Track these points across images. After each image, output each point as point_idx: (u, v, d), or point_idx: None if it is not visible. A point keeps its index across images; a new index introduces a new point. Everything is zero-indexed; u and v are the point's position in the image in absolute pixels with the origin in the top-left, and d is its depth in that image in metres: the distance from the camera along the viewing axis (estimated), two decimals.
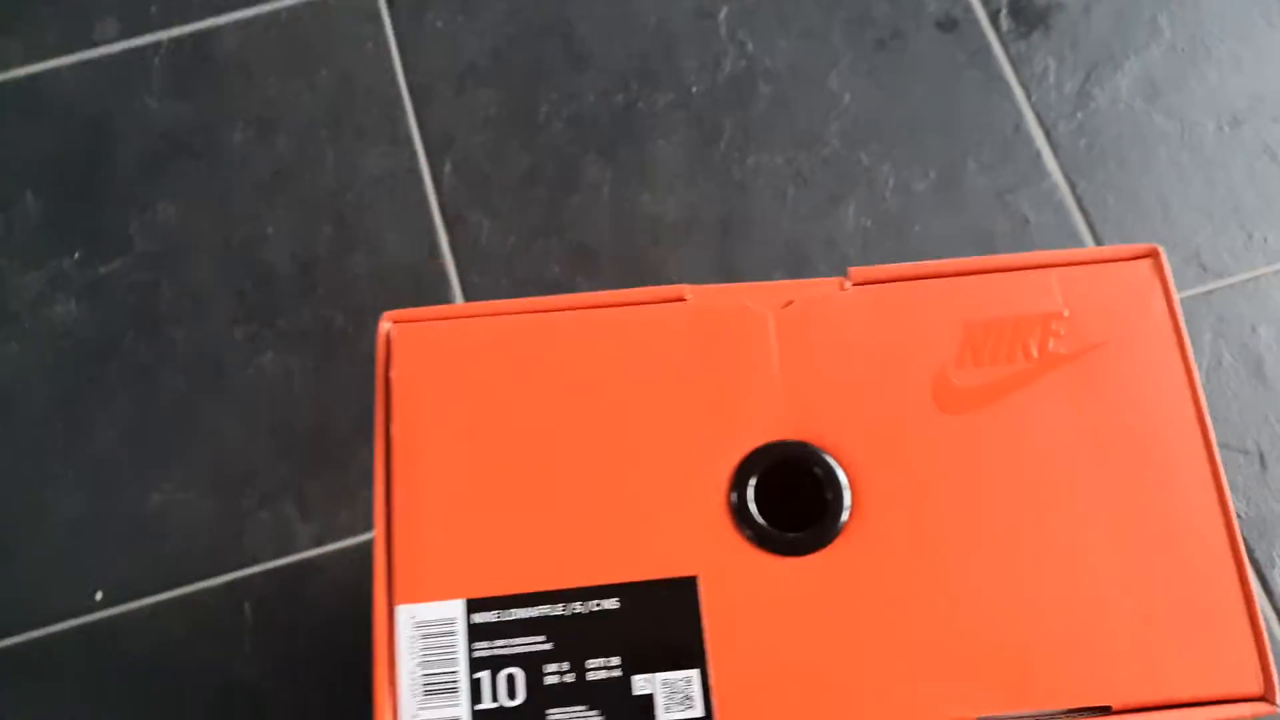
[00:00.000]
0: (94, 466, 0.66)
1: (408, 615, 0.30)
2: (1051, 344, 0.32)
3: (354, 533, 0.64)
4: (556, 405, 0.32)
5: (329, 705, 0.61)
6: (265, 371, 0.67)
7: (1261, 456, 0.64)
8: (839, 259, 0.68)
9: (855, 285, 0.33)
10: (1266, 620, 0.60)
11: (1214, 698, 0.29)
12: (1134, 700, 0.28)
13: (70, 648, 0.62)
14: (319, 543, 0.64)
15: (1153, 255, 0.33)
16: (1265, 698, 0.29)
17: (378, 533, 0.31)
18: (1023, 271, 0.33)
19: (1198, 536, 0.30)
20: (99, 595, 0.63)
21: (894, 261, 0.67)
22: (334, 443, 0.66)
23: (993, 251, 0.67)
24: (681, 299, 0.33)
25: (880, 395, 0.32)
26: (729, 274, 0.68)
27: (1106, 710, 0.28)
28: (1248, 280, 0.66)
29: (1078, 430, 0.31)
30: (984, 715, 0.29)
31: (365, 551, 0.63)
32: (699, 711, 0.29)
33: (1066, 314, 0.32)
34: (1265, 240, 0.67)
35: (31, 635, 0.63)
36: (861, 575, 0.30)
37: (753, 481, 0.31)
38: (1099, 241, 0.67)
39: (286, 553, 0.64)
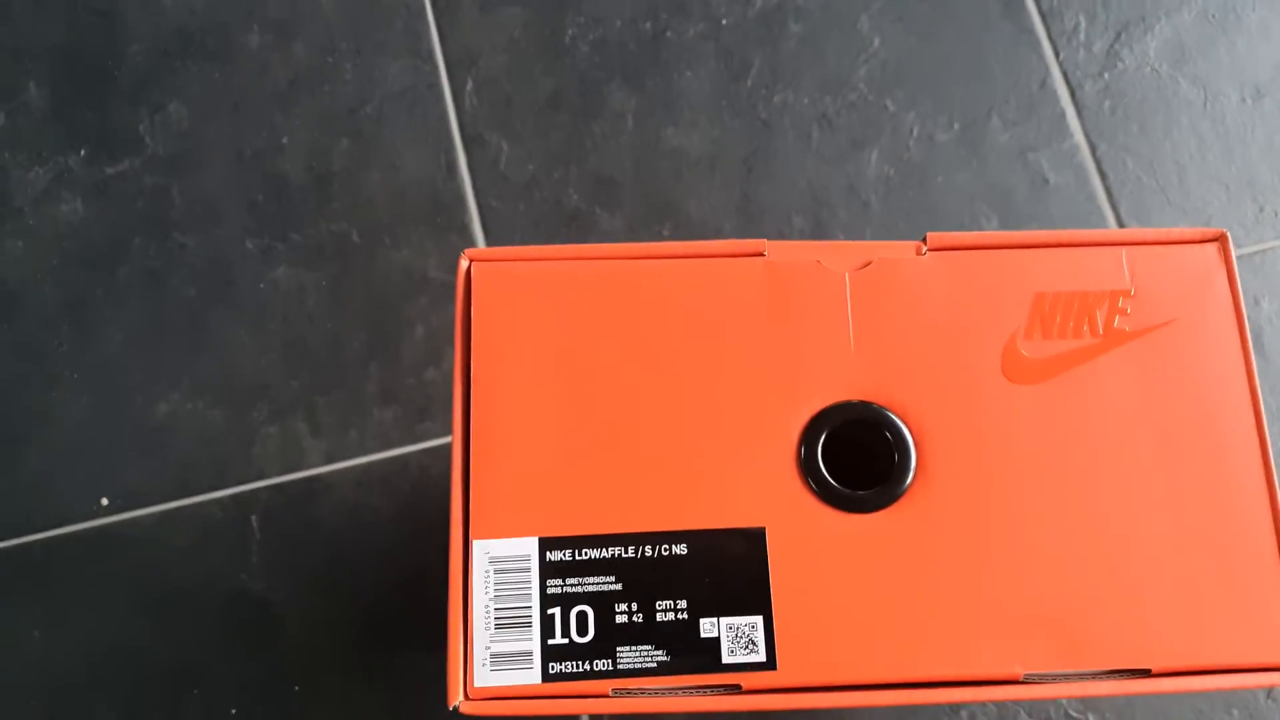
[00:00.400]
0: (101, 371, 0.65)
1: (483, 550, 0.31)
2: (1117, 320, 0.32)
3: (364, 452, 0.64)
4: (632, 352, 0.33)
5: (334, 619, 0.62)
6: (278, 285, 0.67)
7: None
8: (859, 205, 0.68)
9: (931, 251, 0.33)
10: None
11: (1252, 665, 0.30)
12: (1174, 664, 0.30)
13: (75, 552, 0.63)
14: (329, 460, 0.64)
15: (1220, 239, 0.34)
16: None
17: (455, 468, 0.31)
18: (1094, 248, 0.33)
19: (1244, 513, 0.32)
20: (105, 501, 0.63)
21: (913, 211, 0.68)
22: (347, 361, 0.66)
23: (1010, 209, 0.68)
24: (760, 254, 0.33)
25: (950, 361, 0.32)
26: (749, 214, 0.68)
27: (1147, 673, 0.30)
28: (1255, 253, 0.68)
29: (1137, 405, 0.32)
30: (1031, 672, 0.30)
31: (375, 471, 0.64)
32: (762, 656, 0.30)
33: (1133, 292, 0.33)
34: (1276, 214, 0.68)
35: (36, 537, 0.63)
36: (923, 535, 0.31)
37: (822, 439, 0.32)
38: (1114, 206, 0.68)
39: (295, 468, 0.64)
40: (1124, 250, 0.33)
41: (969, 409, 0.32)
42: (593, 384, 0.32)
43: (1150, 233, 0.33)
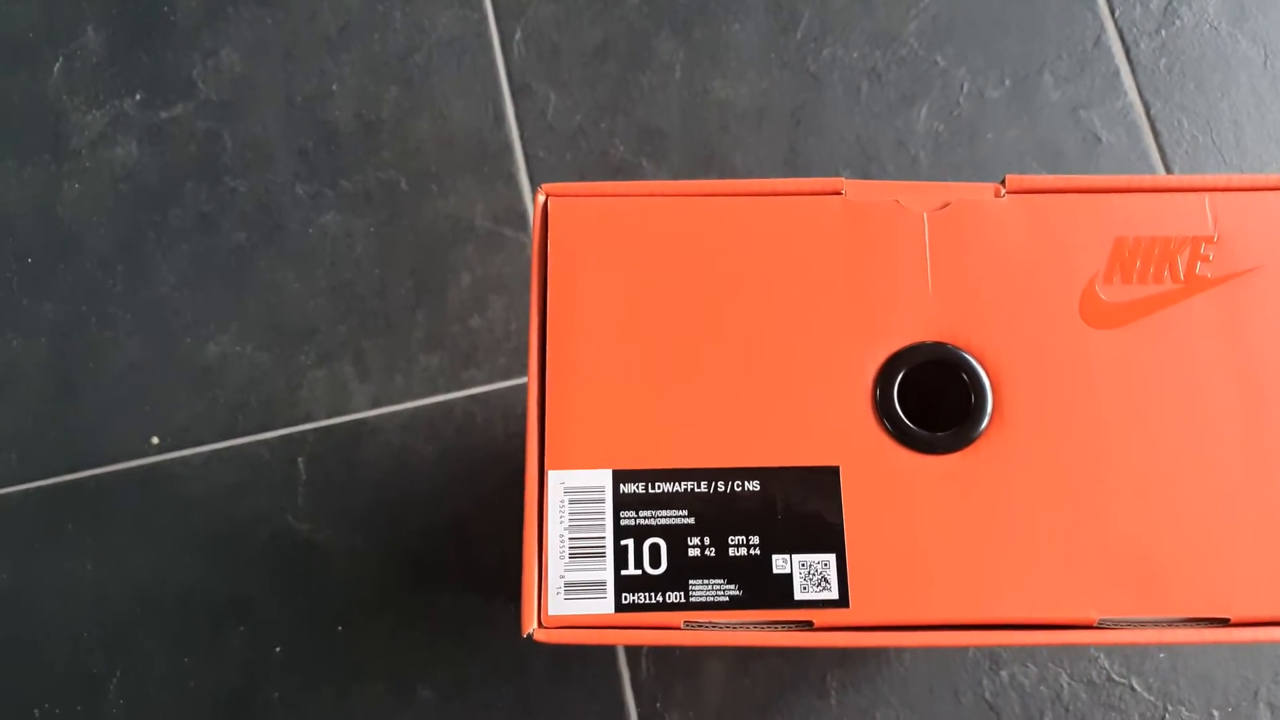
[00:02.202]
0: (153, 312, 0.66)
1: (558, 480, 0.31)
2: (1199, 266, 0.32)
3: (410, 397, 0.65)
4: (708, 289, 0.33)
5: (379, 561, 0.63)
6: (327, 231, 0.67)
7: None
8: (908, 161, 0.68)
9: (1010, 193, 0.33)
10: None
11: None
12: (1253, 614, 0.30)
13: (127, 488, 0.64)
14: (375, 404, 0.65)
15: None
16: None
17: (531, 399, 0.31)
18: (1175, 193, 0.33)
19: None
20: (155, 440, 0.64)
21: (962, 167, 0.67)
22: (394, 307, 0.66)
23: (1061, 167, 0.67)
24: (838, 192, 0.33)
25: (1028, 304, 0.32)
26: (797, 167, 0.68)
27: (1225, 622, 0.30)
28: None
29: (1218, 352, 0.32)
30: (1107, 617, 0.30)
31: (421, 416, 0.64)
32: (834, 594, 0.31)
33: (1216, 238, 0.33)
34: None
35: (90, 473, 0.64)
36: (998, 477, 0.31)
37: (898, 379, 0.32)
38: (1167, 165, 0.68)
39: (342, 412, 0.65)
40: (1207, 196, 0.33)
41: (1046, 353, 0.32)
42: (668, 320, 0.32)
43: (1235, 178, 0.33)
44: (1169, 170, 0.67)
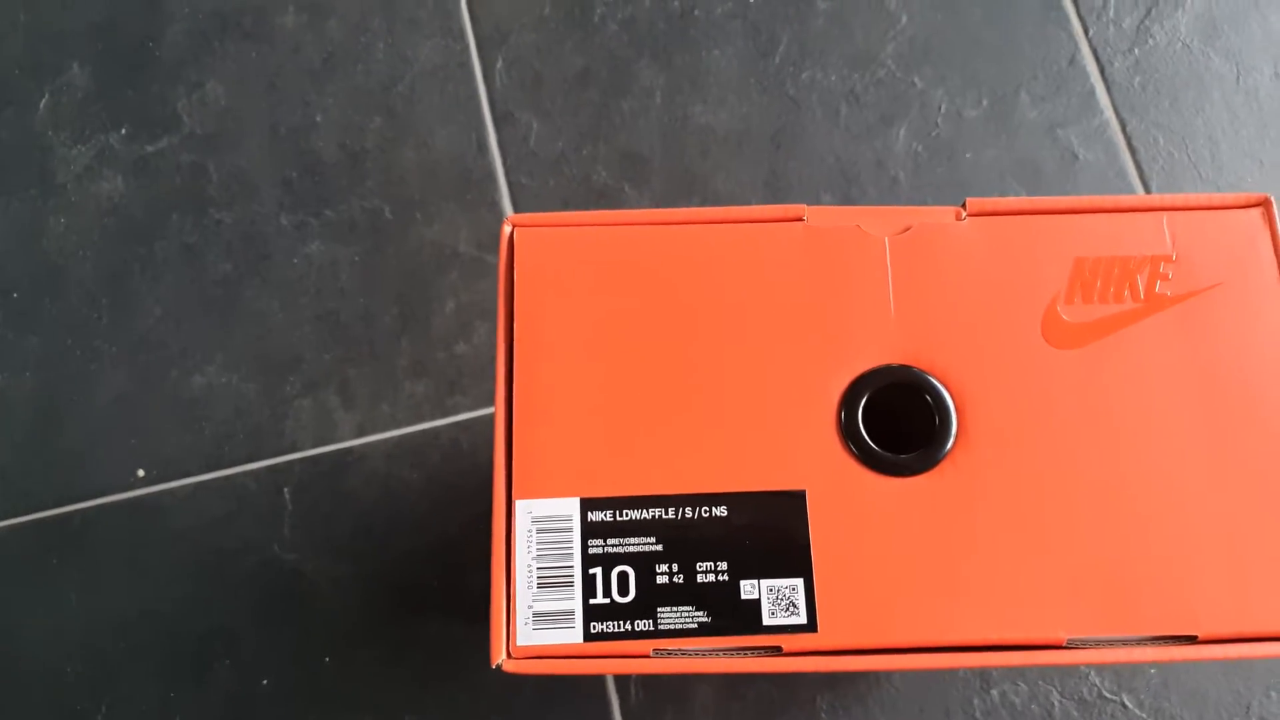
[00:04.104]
0: (139, 344, 0.66)
1: (525, 510, 0.31)
2: (1159, 285, 0.33)
3: (396, 424, 0.65)
4: (673, 316, 0.33)
5: (365, 590, 0.63)
6: (312, 260, 0.68)
7: None
8: (888, 181, 0.68)
9: (971, 216, 0.33)
10: None
11: None
12: (1220, 631, 0.30)
13: (112, 522, 0.64)
14: (361, 433, 0.65)
15: (1264, 204, 0.34)
16: None
17: (498, 429, 0.32)
18: (1134, 213, 0.33)
19: None
20: (141, 472, 0.64)
21: (942, 187, 0.68)
22: (379, 335, 0.66)
23: (1039, 185, 0.68)
24: (800, 219, 0.33)
25: (991, 325, 0.33)
26: (777, 190, 0.68)
27: (1193, 639, 0.30)
28: None
29: (1180, 370, 0.32)
30: (1074, 637, 0.30)
31: (406, 444, 0.65)
32: (803, 619, 0.31)
33: (1175, 257, 0.33)
34: None
35: (75, 507, 0.64)
36: (964, 499, 0.31)
37: (862, 403, 0.32)
38: (1145, 182, 0.68)
39: (328, 441, 0.65)
40: (1165, 215, 0.33)
41: (1009, 373, 0.32)
42: (634, 347, 0.33)
43: (1193, 197, 0.33)
44: (1146, 186, 0.68)
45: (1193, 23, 0.70)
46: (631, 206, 0.68)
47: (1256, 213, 0.33)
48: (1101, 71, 0.70)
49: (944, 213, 0.33)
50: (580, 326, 0.33)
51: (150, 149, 0.69)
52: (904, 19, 0.71)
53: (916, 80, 0.70)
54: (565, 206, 0.69)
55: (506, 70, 0.71)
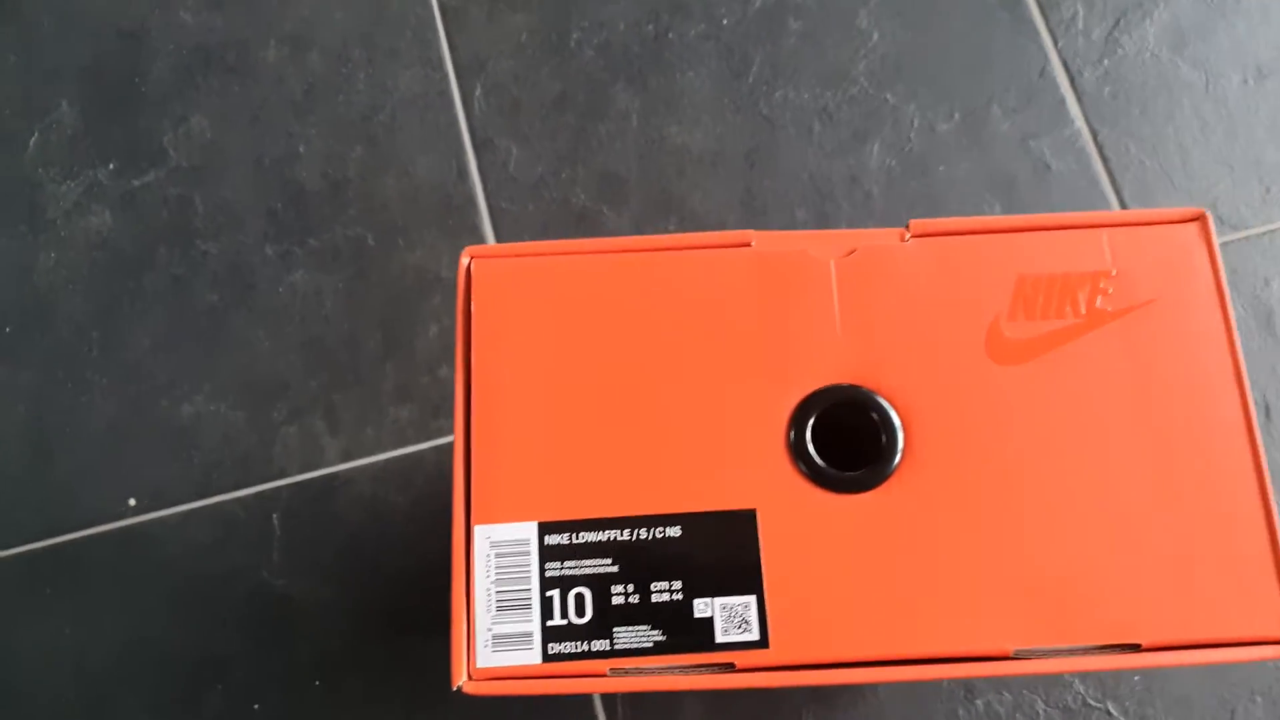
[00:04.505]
0: (129, 375, 0.67)
1: (484, 535, 0.32)
2: (1099, 301, 0.33)
3: (381, 449, 0.66)
4: (626, 341, 0.34)
5: (354, 613, 0.63)
6: (297, 288, 0.69)
7: (1267, 407, 0.66)
8: (862, 196, 0.69)
9: (915, 237, 0.34)
10: None
11: (1238, 639, 0.31)
12: (1162, 639, 0.31)
13: (104, 552, 0.65)
14: (346, 458, 0.66)
15: (1200, 219, 0.34)
16: None
17: (457, 456, 0.33)
18: (1075, 230, 0.34)
19: (1231, 488, 0.32)
20: (132, 502, 0.65)
21: (916, 201, 0.68)
22: (364, 360, 0.67)
23: (1014, 196, 0.69)
24: (748, 244, 0.34)
25: (935, 343, 0.33)
26: (753, 208, 0.69)
27: (1136, 647, 0.31)
28: (1263, 234, 0.68)
29: (1121, 383, 0.33)
30: (1021, 648, 0.31)
31: (392, 467, 0.65)
32: (755, 635, 0.31)
33: (1114, 272, 0.34)
34: None
35: (69, 537, 0.65)
36: (912, 514, 0.32)
37: (811, 422, 0.33)
38: (1118, 190, 0.69)
39: (314, 466, 0.66)
40: (1105, 232, 0.34)
41: (954, 390, 0.33)
42: (589, 373, 0.34)
43: (1131, 214, 0.34)
44: (1119, 194, 0.69)
45: (1161, 32, 0.71)
46: (610, 228, 0.69)
47: (1193, 227, 0.34)
48: (1072, 82, 0.71)
49: (888, 234, 0.34)
50: (536, 354, 0.34)
51: (137, 183, 0.70)
52: (875, 36, 0.72)
53: (889, 96, 0.71)
54: (545, 229, 0.70)
55: (485, 97, 0.72)
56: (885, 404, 0.33)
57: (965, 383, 0.33)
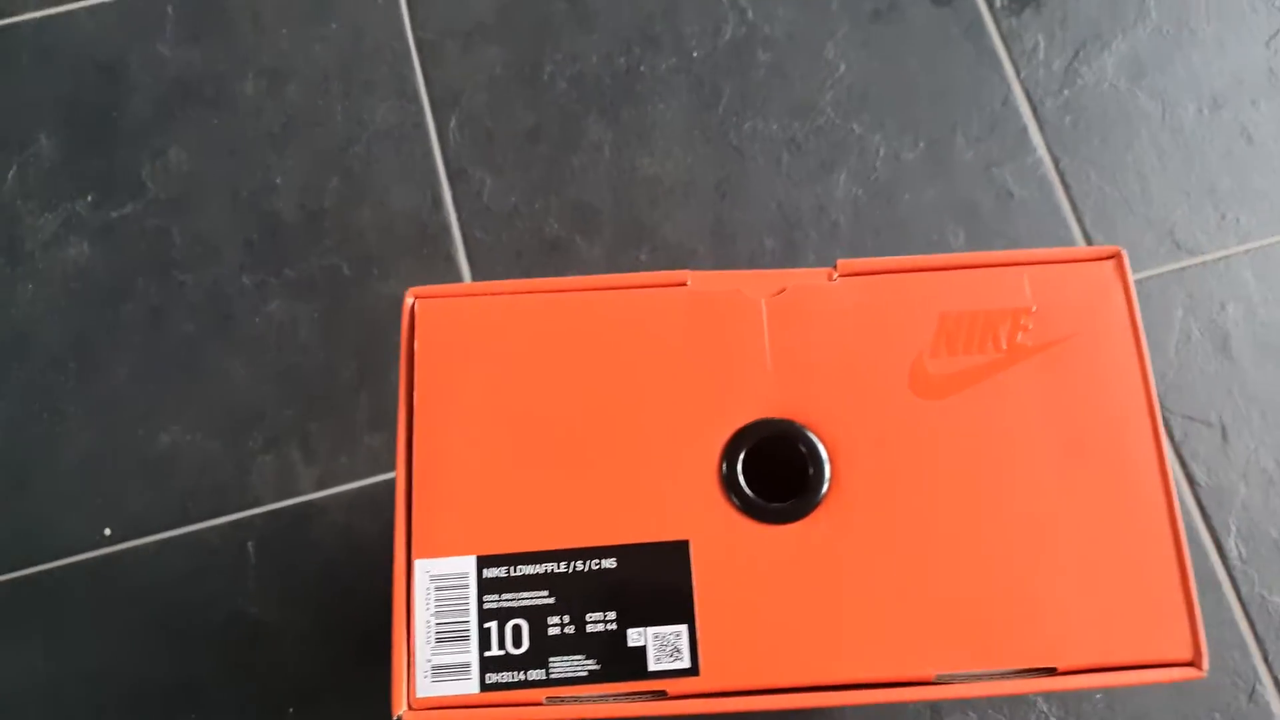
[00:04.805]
0: (106, 405, 0.68)
1: (424, 569, 0.33)
2: (1020, 336, 0.35)
3: (355, 477, 0.67)
4: (565, 379, 0.35)
5: (328, 639, 0.64)
6: (272, 318, 0.70)
7: (1224, 429, 0.67)
8: (829, 225, 0.70)
9: (842, 276, 0.35)
10: (1220, 582, 0.64)
11: (1149, 661, 0.32)
12: (1077, 663, 0.32)
13: (80, 580, 0.65)
14: (321, 486, 0.67)
15: (1116, 257, 0.36)
16: (1194, 663, 0.32)
17: (399, 493, 0.34)
18: (996, 268, 0.35)
19: (1143, 517, 0.33)
20: (108, 531, 0.66)
21: (881, 229, 0.70)
22: (338, 389, 0.68)
23: (977, 223, 0.70)
24: (683, 283, 0.36)
25: (861, 379, 0.35)
26: (723, 237, 0.71)
27: (1052, 671, 0.32)
28: (1219, 259, 0.69)
29: (1040, 417, 0.34)
30: (943, 673, 0.32)
31: (366, 495, 0.67)
32: (686, 663, 0.32)
33: (1034, 309, 0.35)
34: (1238, 220, 0.70)
35: (44, 567, 0.66)
36: (838, 543, 0.33)
37: (742, 455, 0.34)
38: (1079, 217, 0.70)
39: (289, 494, 0.67)
40: (1025, 270, 0.35)
41: (879, 423, 0.34)
42: (528, 409, 0.35)
43: (1052, 252, 0.35)
44: (1080, 221, 0.70)
45: (1119, 63, 0.73)
46: (583, 256, 0.71)
47: (1109, 265, 0.35)
48: (1034, 111, 0.72)
49: (817, 274, 0.35)
50: (478, 391, 0.35)
51: (115, 215, 0.72)
52: (842, 68, 0.74)
53: (855, 126, 0.73)
54: (519, 258, 0.71)
55: (460, 129, 0.73)
56: (813, 437, 0.34)
57: (890, 417, 0.34)
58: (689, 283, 0.36)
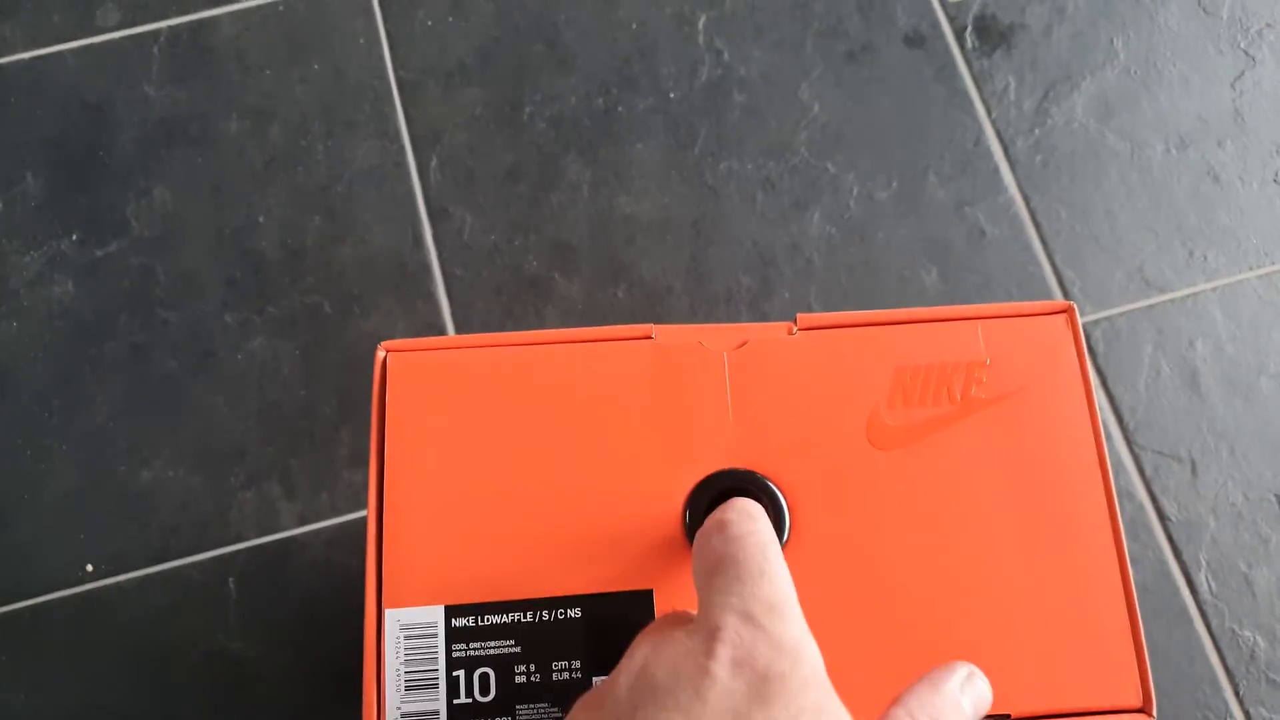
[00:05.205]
0: (88, 442, 0.69)
1: (394, 619, 0.34)
2: (974, 389, 0.36)
3: (336, 513, 0.68)
4: (533, 430, 0.36)
5: (309, 675, 0.65)
6: (255, 356, 0.71)
7: (1193, 464, 0.68)
8: (803, 263, 0.72)
9: (802, 330, 0.37)
10: (1191, 616, 0.65)
11: (1100, 709, 0.33)
12: (1030, 709, 0.33)
13: (61, 617, 0.66)
14: (302, 521, 0.68)
15: (1067, 311, 0.37)
16: (1144, 709, 0.33)
17: (370, 543, 0.34)
18: (951, 322, 0.36)
19: (1094, 566, 0.34)
20: (89, 567, 0.67)
21: (855, 266, 0.71)
22: (319, 425, 0.69)
23: (949, 260, 0.71)
24: (649, 337, 0.37)
25: (820, 430, 0.36)
26: (699, 274, 0.72)
27: (1006, 718, 0.33)
28: (1187, 296, 0.71)
29: (993, 467, 0.35)
30: None
31: (346, 531, 0.67)
32: None
33: (988, 362, 0.36)
34: (1205, 258, 0.71)
35: (24, 604, 0.66)
36: (798, 590, 0.34)
37: (705, 504, 0.35)
38: (1050, 254, 0.71)
39: (270, 530, 0.68)
40: (979, 324, 0.36)
41: (836, 474, 0.35)
42: (496, 461, 0.36)
43: (1004, 307, 0.36)
44: (1051, 259, 0.71)
45: (1088, 103, 0.74)
46: (562, 293, 0.72)
47: (1061, 319, 0.37)
48: (1005, 151, 0.74)
49: (778, 328, 0.37)
50: (447, 443, 0.36)
51: (100, 253, 0.73)
52: (816, 108, 0.75)
53: (829, 166, 0.74)
54: (499, 295, 0.72)
55: (440, 168, 0.75)
56: (773, 487, 0.35)
57: (847, 467, 0.35)
58: (654, 335, 0.37)
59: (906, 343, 0.36)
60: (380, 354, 0.36)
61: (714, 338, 0.36)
